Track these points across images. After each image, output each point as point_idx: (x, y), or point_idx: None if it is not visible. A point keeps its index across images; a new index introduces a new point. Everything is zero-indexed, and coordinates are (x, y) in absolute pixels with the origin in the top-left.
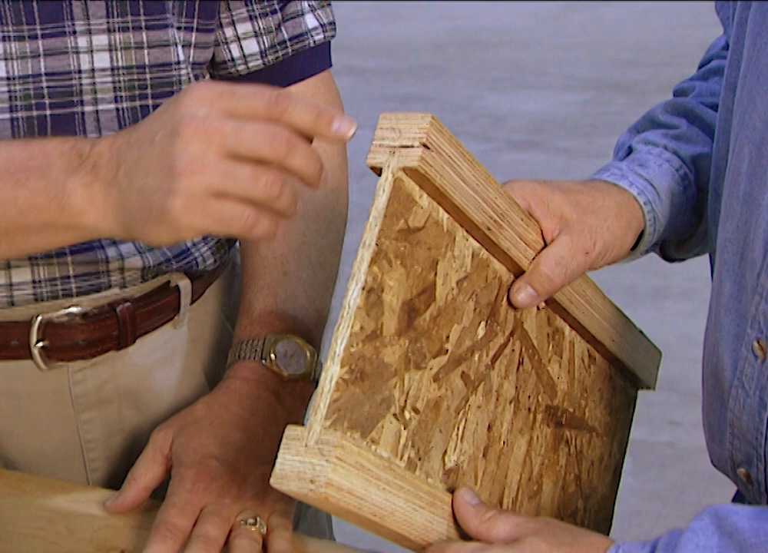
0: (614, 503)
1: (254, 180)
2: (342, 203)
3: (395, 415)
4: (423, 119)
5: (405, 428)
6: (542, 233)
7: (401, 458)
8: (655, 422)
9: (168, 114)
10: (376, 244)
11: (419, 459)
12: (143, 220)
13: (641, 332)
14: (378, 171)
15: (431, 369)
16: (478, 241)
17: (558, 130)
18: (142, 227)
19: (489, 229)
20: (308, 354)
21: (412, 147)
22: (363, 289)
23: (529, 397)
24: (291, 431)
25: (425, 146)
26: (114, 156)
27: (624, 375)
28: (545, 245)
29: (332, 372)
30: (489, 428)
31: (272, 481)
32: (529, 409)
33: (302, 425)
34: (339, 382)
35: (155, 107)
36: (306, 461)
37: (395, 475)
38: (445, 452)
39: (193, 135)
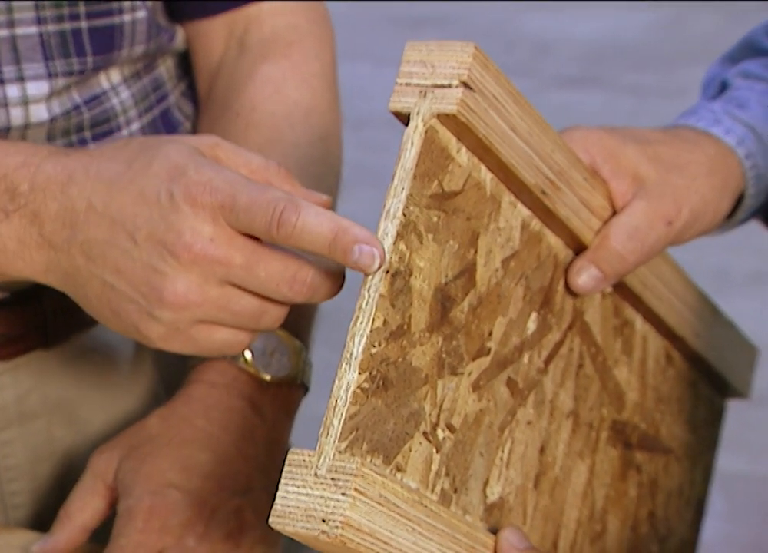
0: (696, 548)
1: (257, 317)
2: (334, 153)
3: (425, 434)
4: (464, 50)
5: (437, 452)
6: (611, 197)
7: (432, 490)
8: (755, 447)
9: (153, 202)
10: (403, 214)
11: (455, 491)
12: (103, 316)
13: (732, 324)
14: (404, 118)
15: (470, 374)
16: (528, 208)
17: (623, 62)
18: (100, 319)
19: (544, 192)
20: (293, 351)
21: (449, 86)
22: (387, 272)
23: (591, 410)
24: (295, 455)
25: (466, 85)
26: (68, 214)
27: (710, 380)
28: (614, 213)
29: (347, 379)
30: (542, 450)
31: (271, 520)
32: (591, 426)
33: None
34: (357, 392)
35: (91, 32)
36: (316, 494)
37: (427, 512)
38: (487, 481)
39: (192, 263)
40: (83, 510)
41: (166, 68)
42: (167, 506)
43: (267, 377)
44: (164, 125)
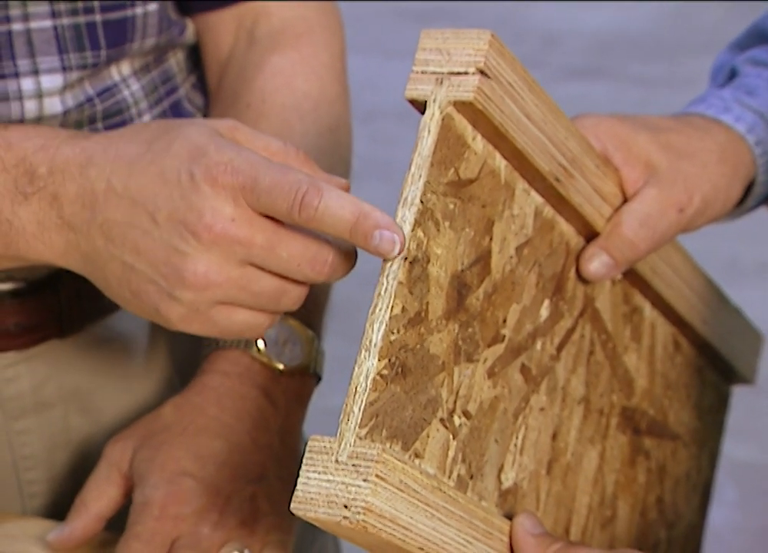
0: (703, 533)
1: (277, 298)
2: (344, 145)
3: (442, 420)
4: (480, 37)
5: (454, 438)
6: (622, 185)
7: (449, 477)
8: (765, 436)
9: (174, 183)
10: (421, 201)
11: (471, 477)
12: (123, 298)
13: (738, 311)
14: (420, 106)
15: (485, 361)
16: (541, 195)
17: (631, 52)
18: (119, 301)
19: (558, 179)
20: (306, 340)
21: (466, 74)
22: (405, 259)
23: (601, 396)
24: (316, 442)
25: (482, 73)
26: (87, 195)
27: (717, 366)
28: (626, 200)
29: (367, 366)
30: (554, 436)
31: (293, 506)
32: (601, 412)
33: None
34: (376, 379)
35: (104, 25)
36: (338, 480)
37: (445, 498)
38: (502, 467)
39: (213, 243)
40: (98, 499)
41: (176, 61)
42: (181, 494)
43: (280, 366)
44: (175, 117)
